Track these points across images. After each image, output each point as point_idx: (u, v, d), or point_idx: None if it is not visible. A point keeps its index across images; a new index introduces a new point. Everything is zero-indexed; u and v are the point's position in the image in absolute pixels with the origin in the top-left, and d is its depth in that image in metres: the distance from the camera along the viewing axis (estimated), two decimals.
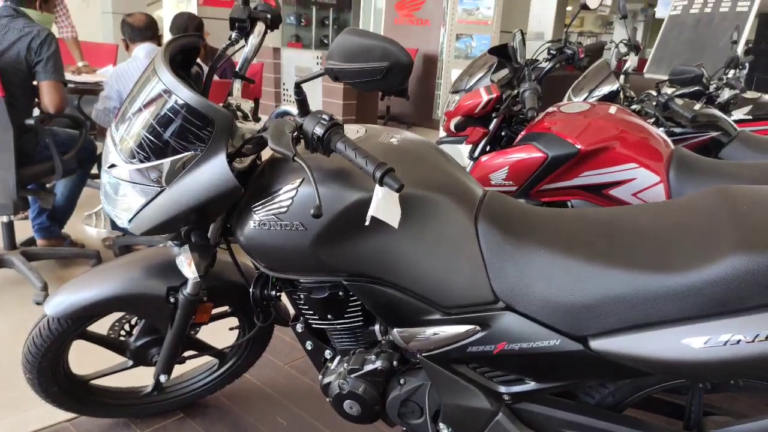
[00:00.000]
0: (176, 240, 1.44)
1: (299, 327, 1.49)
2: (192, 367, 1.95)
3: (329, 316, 1.38)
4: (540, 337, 1.15)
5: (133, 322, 1.73)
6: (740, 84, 3.19)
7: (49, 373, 1.63)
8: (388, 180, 1.04)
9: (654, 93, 2.66)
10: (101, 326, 1.70)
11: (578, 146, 1.96)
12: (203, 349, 1.83)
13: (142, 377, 1.84)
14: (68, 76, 3.19)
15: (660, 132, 2.08)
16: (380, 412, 1.42)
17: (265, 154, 1.33)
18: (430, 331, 1.23)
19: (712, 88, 3.22)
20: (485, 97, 2.12)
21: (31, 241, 3.04)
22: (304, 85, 1.16)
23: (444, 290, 1.20)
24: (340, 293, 1.34)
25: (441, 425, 1.35)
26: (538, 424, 1.28)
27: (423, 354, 1.27)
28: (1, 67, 2.41)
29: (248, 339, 1.85)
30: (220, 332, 1.87)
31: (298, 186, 1.20)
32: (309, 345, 1.50)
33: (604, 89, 2.71)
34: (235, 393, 2.02)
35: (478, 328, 1.19)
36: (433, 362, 1.28)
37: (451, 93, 2.44)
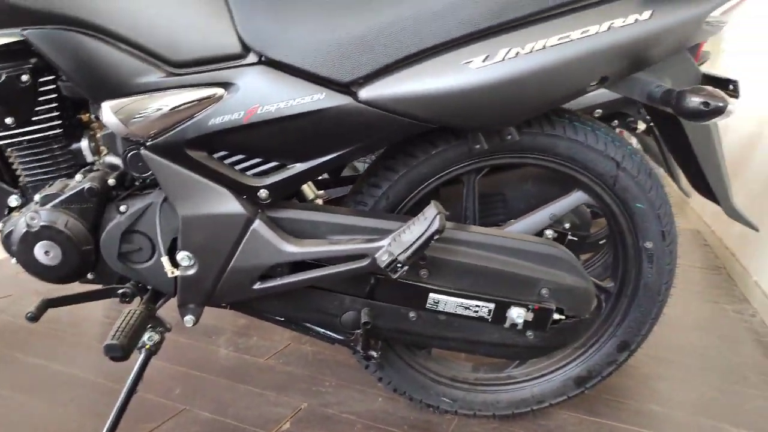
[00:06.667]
0: None
1: None
2: None
3: (7, 121, 0.97)
4: (301, 92, 0.92)
5: None
6: None
7: None
8: None
9: None
10: None
11: None
12: None
13: None
14: None
15: None
16: (91, 257, 1.03)
17: None
18: (154, 102, 0.92)
19: None
20: None
21: None
22: None
23: (171, 37, 0.90)
24: (22, 76, 0.94)
25: (181, 254, 1.02)
26: (302, 231, 1.04)
27: (149, 143, 0.95)
28: None
29: None
30: None
31: None
32: None
33: None
34: None
35: (220, 90, 0.92)
36: (164, 156, 0.96)
37: None
